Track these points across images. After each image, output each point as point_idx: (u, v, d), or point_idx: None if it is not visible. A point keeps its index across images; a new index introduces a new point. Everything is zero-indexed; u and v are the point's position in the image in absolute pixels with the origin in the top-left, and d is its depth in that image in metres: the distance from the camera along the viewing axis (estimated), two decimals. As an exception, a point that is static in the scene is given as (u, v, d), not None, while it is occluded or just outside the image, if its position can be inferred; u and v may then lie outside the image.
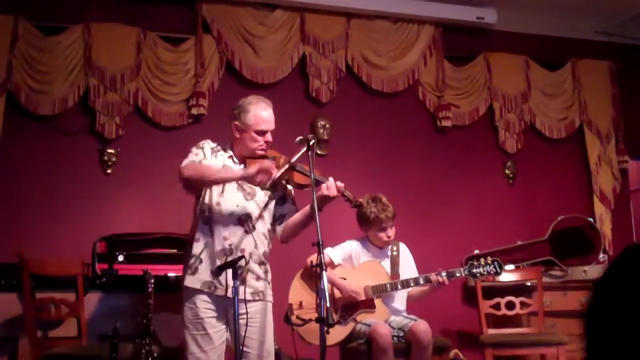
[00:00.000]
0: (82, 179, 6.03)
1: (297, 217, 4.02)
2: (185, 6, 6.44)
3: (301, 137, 3.79)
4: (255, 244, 3.89)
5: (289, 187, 4.05)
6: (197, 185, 3.87)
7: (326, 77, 6.71)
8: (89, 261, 5.30)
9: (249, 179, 3.75)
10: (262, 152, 3.94)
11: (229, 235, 3.82)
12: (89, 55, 6.05)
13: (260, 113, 3.91)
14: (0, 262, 5.02)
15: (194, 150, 3.94)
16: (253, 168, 3.70)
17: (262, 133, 3.91)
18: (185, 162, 3.87)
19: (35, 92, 5.92)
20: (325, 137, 6.66)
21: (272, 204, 4.03)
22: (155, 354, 4.42)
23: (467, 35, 7.24)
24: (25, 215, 5.84)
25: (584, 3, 7.05)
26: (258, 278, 3.90)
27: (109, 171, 6.12)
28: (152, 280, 4.68)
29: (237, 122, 3.93)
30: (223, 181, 3.85)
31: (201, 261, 3.82)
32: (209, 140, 4.02)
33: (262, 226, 3.95)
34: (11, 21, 5.87)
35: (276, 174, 3.72)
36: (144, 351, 4.38)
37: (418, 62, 7.03)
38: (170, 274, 5.12)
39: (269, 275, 3.99)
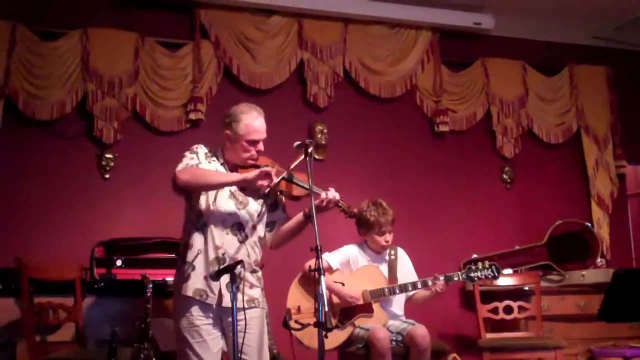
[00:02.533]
0: (80, 184, 6.03)
1: (288, 225, 3.97)
2: (183, 12, 6.46)
3: (299, 142, 3.76)
4: (247, 252, 3.83)
5: (281, 196, 4.01)
6: (194, 189, 3.79)
7: (324, 83, 6.72)
8: (87, 266, 5.30)
9: (248, 183, 3.71)
10: (253, 162, 3.86)
11: (222, 244, 3.76)
12: (87, 60, 6.06)
13: (252, 123, 3.82)
14: (-2, 267, 5.02)
15: (188, 154, 3.87)
16: (253, 172, 3.66)
17: (253, 143, 3.84)
18: (180, 165, 3.80)
19: (33, 97, 5.93)
20: (323, 142, 6.66)
21: (266, 214, 4.00)
22: (153, 359, 4.41)
23: (465, 40, 7.26)
24: (24, 220, 5.83)
25: (581, 9, 7.08)
26: (252, 286, 3.86)
27: (107, 176, 6.13)
28: (151, 285, 4.67)
29: (228, 131, 3.85)
30: (222, 185, 3.78)
31: (194, 268, 3.75)
32: (202, 145, 3.95)
33: (254, 235, 3.90)
34: (9, 26, 5.88)
35: (277, 179, 3.67)
36: (142, 356, 4.37)
37: (415, 68, 7.05)
38: (169, 279, 5.09)
39: (262, 282, 3.95)
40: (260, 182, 3.64)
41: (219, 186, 3.79)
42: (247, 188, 3.80)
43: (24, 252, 5.12)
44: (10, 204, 5.85)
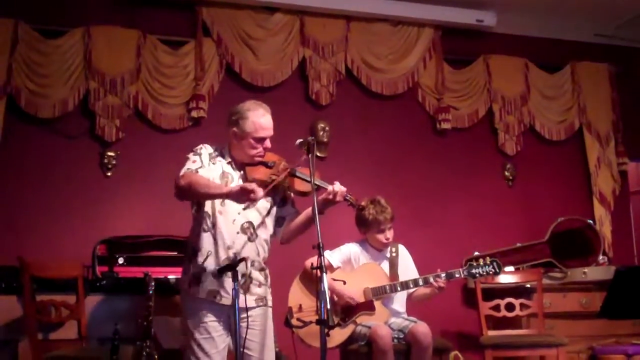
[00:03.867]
0: (83, 182, 6.04)
1: (298, 220, 4.01)
2: (185, 10, 6.45)
3: (301, 140, 3.78)
4: (257, 251, 3.88)
5: (289, 192, 4.03)
6: (188, 196, 3.82)
7: (326, 80, 6.72)
8: (90, 264, 5.31)
9: (235, 198, 3.65)
10: (260, 159, 3.89)
11: (233, 244, 3.79)
12: (89, 58, 6.06)
13: (259, 120, 3.84)
14: (0, 264, 5.01)
15: (192, 156, 3.89)
16: (236, 187, 3.62)
17: (260, 140, 3.86)
18: (182, 170, 3.82)
19: (35, 95, 5.93)
20: (325, 140, 6.66)
21: (274, 210, 4.02)
22: (156, 356, 4.42)
23: (467, 37, 7.25)
24: (26, 218, 5.84)
25: (583, 6, 7.07)
26: (260, 284, 3.89)
27: (109, 174, 6.13)
28: (153, 283, 4.68)
29: (235, 129, 3.87)
30: (213, 197, 3.77)
31: (205, 270, 3.78)
32: (207, 145, 3.96)
33: (264, 233, 3.93)
34: (11, 24, 5.88)
35: (262, 195, 3.59)
36: (144, 353, 4.38)
37: (417, 65, 7.04)
38: (171, 277, 5.11)
39: (269, 280, 3.98)
40: (243, 198, 3.59)
41: (210, 197, 3.79)
42: (235, 202, 3.75)
43: (26, 250, 5.14)
44: (12, 202, 5.86)
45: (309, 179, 3.77)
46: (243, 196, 3.57)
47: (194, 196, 3.81)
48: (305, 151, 3.75)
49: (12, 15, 5.92)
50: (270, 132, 3.90)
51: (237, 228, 3.82)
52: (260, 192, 3.57)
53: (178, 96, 6.34)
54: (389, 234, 5.15)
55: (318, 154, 6.38)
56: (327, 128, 6.70)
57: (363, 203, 4.06)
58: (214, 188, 3.75)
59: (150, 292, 4.63)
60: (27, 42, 5.94)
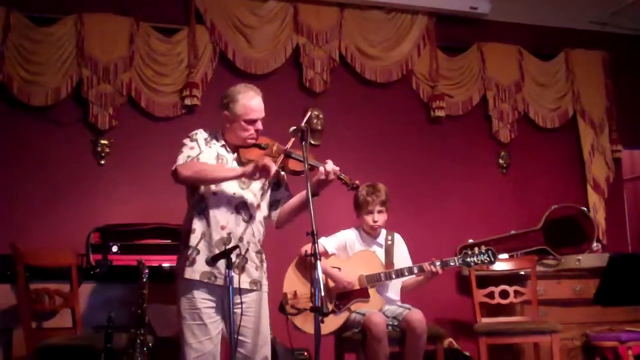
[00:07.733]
0: (76, 170, 6.02)
1: (292, 202, 4.03)
2: (178, -4, 6.44)
3: (295, 127, 3.80)
4: (253, 232, 3.90)
5: (283, 173, 4.05)
6: (196, 184, 3.86)
7: (320, 68, 6.71)
8: (83, 252, 5.30)
9: (248, 177, 3.76)
10: (253, 141, 3.94)
11: (227, 224, 3.81)
12: (81, 46, 6.04)
13: (249, 102, 3.90)
14: (-6, 253, 5.01)
15: (189, 143, 3.93)
16: (250, 166, 3.71)
17: (251, 122, 3.90)
18: (180, 158, 3.85)
19: (27, 83, 5.90)
20: (319, 128, 6.65)
21: (268, 194, 4.04)
22: (150, 344, 4.42)
23: (461, 25, 7.23)
24: (19, 207, 5.83)
25: (577, -7, 7.07)
26: (257, 267, 3.91)
27: (102, 162, 6.11)
28: (147, 271, 4.67)
29: (226, 112, 3.92)
30: (223, 180, 3.83)
31: (199, 252, 3.80)
32: (201, 130, 4.00)
33: (259, 214, 3.95)
34: (3, 12, 5.85)
35: (274, 169, 3.70)
36: (138, 341, 4.37)
37: (411, 52, 7.03)
38: (165, 265, 5.12)
39: (265, 265, 3.99)
40: (259, 175, 3.70)
41: (220, 181, 3.84)
42: (249, 180, 3.85)
43: (20, 238, 5.12)
44: (5, 190, 5.84)
45: (303, 159, 3.78)
46: (258, 173, 3.70)
47: (202, 183, 3.85)
48: (299, 138, 3.76)
49: (4, 2, 5.88)
50: (261, 114, 3.94)
51: (232, 208, 3.85)
52: (273, 165, 3.70)
53: (171, 84, 6.32)
54: (378, 217, 5.14)
55: (312, 142, 6.38)
56: (320, 116, 6.69)
57: (357, 182, 4.05)
58: (224, 171, 3.85)
59: (144, 279, 4.63)
60: (19, 30, 5.91)
